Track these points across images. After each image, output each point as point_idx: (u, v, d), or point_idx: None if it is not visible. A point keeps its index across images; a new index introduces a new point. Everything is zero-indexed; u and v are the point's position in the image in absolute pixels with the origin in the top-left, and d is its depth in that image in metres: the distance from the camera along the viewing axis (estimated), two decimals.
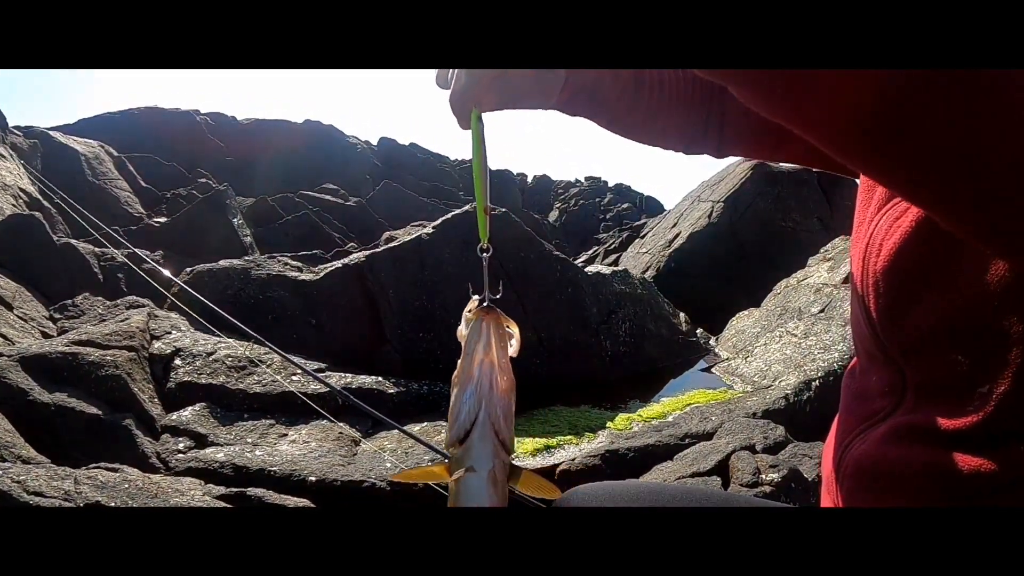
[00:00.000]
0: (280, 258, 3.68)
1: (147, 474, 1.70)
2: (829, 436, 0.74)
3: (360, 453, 2.46)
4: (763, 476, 2.14)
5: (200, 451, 2.31)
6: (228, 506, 1.53)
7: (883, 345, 0.57)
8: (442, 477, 0.54)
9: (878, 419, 0.60)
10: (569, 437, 2.76)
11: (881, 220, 0.56)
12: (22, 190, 6.32)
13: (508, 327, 0.55)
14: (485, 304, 0.54)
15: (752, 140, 0.78)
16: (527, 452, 2.61)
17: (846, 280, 4.76)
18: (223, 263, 3.50)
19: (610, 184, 21.33)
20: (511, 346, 0.54)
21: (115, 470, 1.61)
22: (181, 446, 2.33)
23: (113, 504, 1.32)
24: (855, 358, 0.71)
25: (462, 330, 0.55)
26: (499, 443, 0.51)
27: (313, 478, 2.21)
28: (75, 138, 9.65)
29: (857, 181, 0.73)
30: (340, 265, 3.61)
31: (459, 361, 0.53)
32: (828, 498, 0.70)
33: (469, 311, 0.55)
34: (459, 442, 0.52)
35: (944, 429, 0.52)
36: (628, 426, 2.86)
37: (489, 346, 0.52)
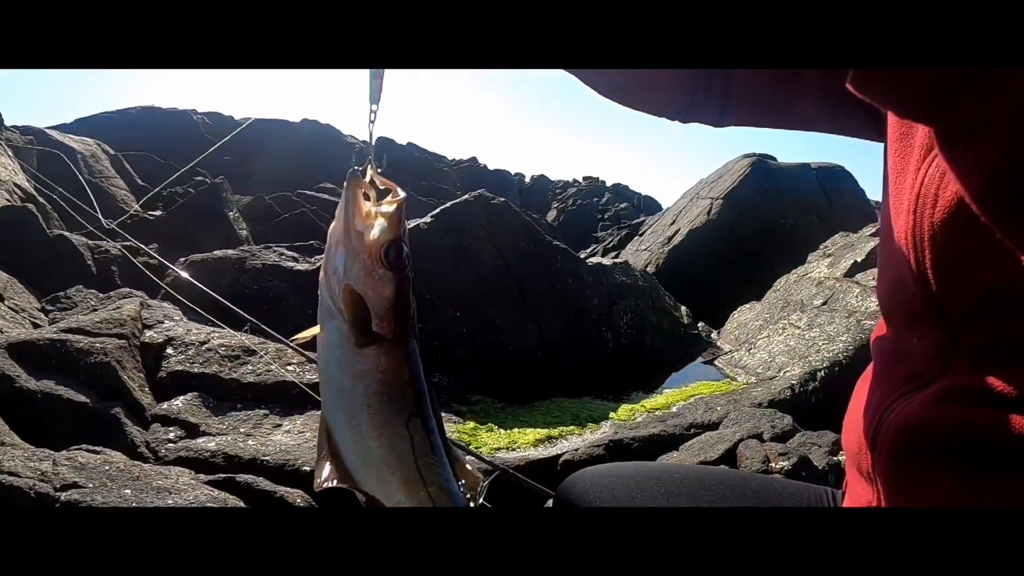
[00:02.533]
0: (276, 248, 3.62)
1: (130, 458, 1.64)
2: (854, 405, 0.68)
3: None
4: (772, 464, 2.08)
5: (191, 441, 2.25)
6: (214, 492, 1.47)
7: (936, 304, 0.52)
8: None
9: (922, 382, 0.55)
10: (572, 428, 2.70)
11: (930, 169, 0.50)
12: (17, 185, 6.25)
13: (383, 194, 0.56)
14: (351, 170, 0.55)
15: (761, 96, 0.71)
16: (529, 443, 2.55)
17: (847, 274, 4.72)
18: (218, 253, 3.44)
19: (608, 184, 21.29)
20: (382, 213, 0.54)
21: (96, 452, 1.54)
22: (172, 436, 2.27)
23: (91, 485, 1.25)
24: (881, 324, 0.65)
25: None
26: (332, 303, 0.53)
27: (307, 468, 2.15)
28: (71, 136, 9.58)
29: (867, 141, 0.67)
30: None
31: None
32: (856, 472, 0.64)
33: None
34: None
35: (1007, 393, 0.47)
36: (632, 416, 2.80)
37: (338, 211, 0.55)
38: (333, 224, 0.55)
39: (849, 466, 0.69)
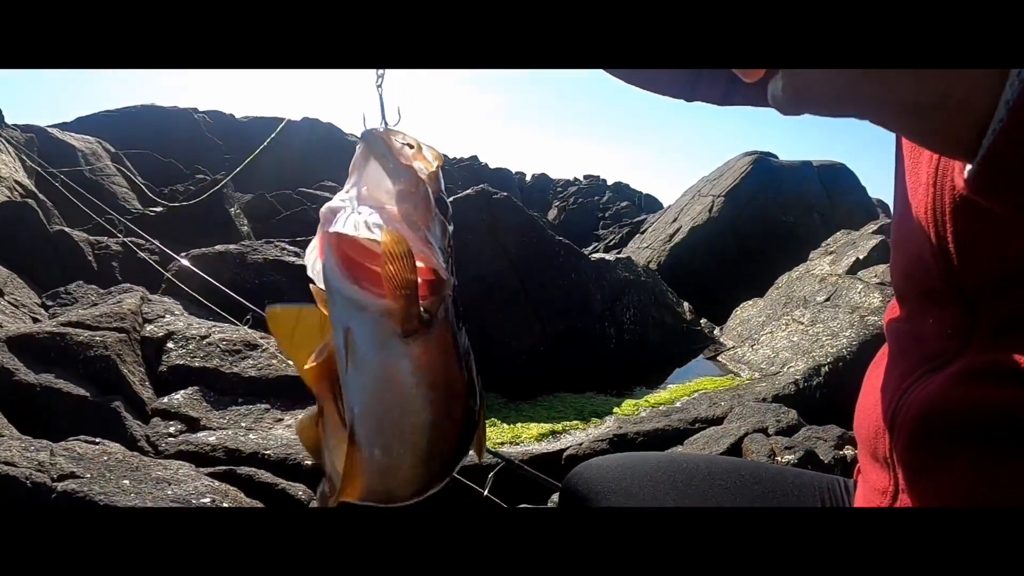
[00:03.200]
0: (277, 243, 3.60)
1: (128, 449, 1.62)
2: (868, 389, 0.66)
3: None
4: (778, 458, 2.06)
5: (191, 435, 2.23)
6: (214, 483, 1.45)
7: (954, 280, 0.50)
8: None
9: (939, 363, 0.53)
10: (575, 423, 2.68)
11: None
12: (17, 182, 6.23)
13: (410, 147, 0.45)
14: (367, 130, 0.45)
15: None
16: (533, 437, 2.53)
17: (849, 271, 4.70)
18: (219, 248, 3.43)
19: (609, 182, 21.27)
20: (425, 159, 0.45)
21: (95, 443, 1.52)
22: (172, 430, 2.25)
23: (88, 476, 1.23)
24: (894, 306, 0.64)
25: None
26: (358, 292, 0.40)
27: (309, 462, 2.13)
28: (72, 134, 9.57)
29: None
30: None
31: None
32: (870, 458, 0.62)
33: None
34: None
35: None
36: (635, 411, 2.79)
37: (356, 168, 0.44)
38: (346, 189, 0.45)
39: (862, 452, 0.67)
